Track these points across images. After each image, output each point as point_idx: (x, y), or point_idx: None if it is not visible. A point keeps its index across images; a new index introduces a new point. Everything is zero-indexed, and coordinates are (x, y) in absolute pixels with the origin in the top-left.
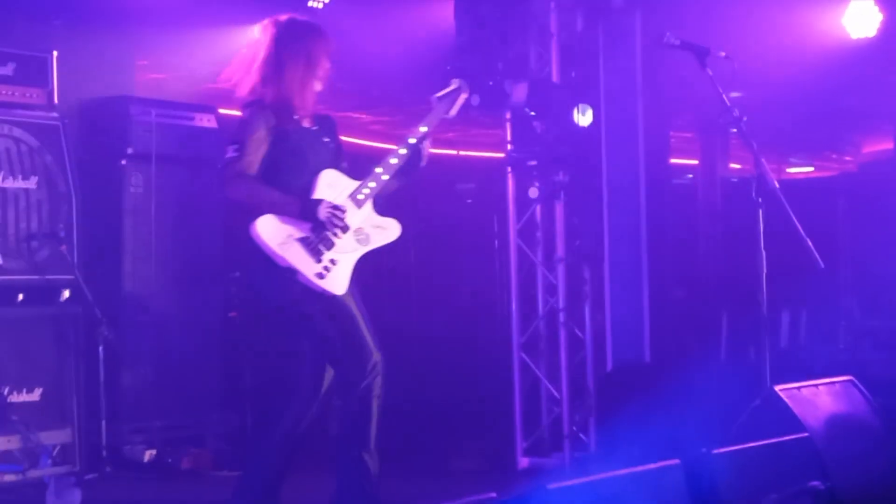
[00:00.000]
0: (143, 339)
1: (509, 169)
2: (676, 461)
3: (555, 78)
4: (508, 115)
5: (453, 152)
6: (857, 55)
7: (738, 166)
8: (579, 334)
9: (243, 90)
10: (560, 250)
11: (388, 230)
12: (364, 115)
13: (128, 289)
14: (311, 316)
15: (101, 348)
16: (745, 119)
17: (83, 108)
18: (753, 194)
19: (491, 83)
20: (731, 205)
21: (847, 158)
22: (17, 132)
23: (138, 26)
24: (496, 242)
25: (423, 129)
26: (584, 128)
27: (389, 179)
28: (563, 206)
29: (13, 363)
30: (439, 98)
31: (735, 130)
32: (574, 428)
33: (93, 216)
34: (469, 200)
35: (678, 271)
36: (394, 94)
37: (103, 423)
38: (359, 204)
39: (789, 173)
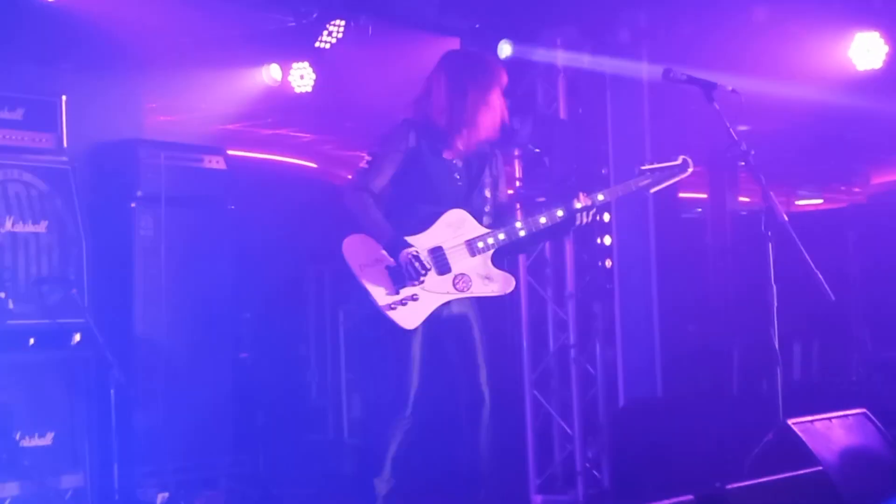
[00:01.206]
0: (154, 382)
1: (518, 205)
2: (690, 497)
3: (562, 114)
4: (517, 152)
5: None
6: (864, 86)
7: (747, 199)
8: (591, 370)
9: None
10: (570, 286)
11: (495, 283)
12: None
13: (139, 331)
14: (376, 339)
15: (112, 391)
16: (752, 152)
17: (92, 152)
18: (763, 227)
19: None
20: (741, 238)
21: (856, 190)
22: (27, 176)
23: (147, 69)
24: None
25: (601, 197)
26: (592, 163)
27: (529, 237)
28: (572, 243)
29: (25, 407)
30: (651, 170)
31: (743, 164)
32: (587, 464)
33: (103, 259)
34: None
35: (689, 306)
36: None
37: (116, 466)
38: (473, 252)
39: (798, 206)
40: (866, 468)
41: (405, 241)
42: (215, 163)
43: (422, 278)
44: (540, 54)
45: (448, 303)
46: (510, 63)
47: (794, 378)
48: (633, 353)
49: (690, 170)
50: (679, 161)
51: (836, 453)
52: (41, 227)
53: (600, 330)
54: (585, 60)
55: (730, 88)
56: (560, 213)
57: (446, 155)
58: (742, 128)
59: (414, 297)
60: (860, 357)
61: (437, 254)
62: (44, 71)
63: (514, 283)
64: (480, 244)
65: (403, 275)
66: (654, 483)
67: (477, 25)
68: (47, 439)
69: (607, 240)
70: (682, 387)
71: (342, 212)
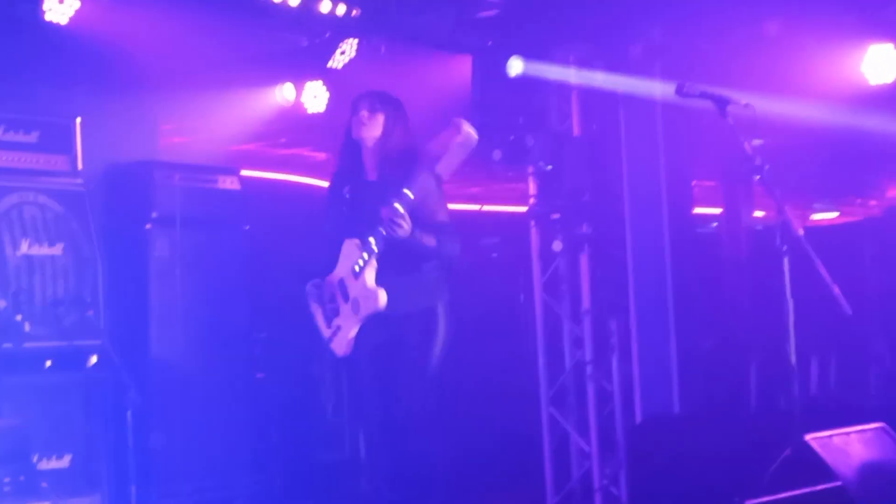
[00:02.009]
0: (171, 403)
1: (532, 222)
2: None
3: (575, 131)
4: (531, 169)
5: (477, 207)
6: (878, 99)
7: (762, 214)
8: (607, 387)
9: None
10: (586, 303)
11: (370, 300)
12: None
13: (155, 352)
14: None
15: (129, 412)
16: (767, 167)
17: (107, 174)
18: (778, 241)
19: (512, 137)
20: (757, 253)
21: (872, 203)
22: (43, 199)
23: (161, 91)
24: (521, 296)
25: (400, 207)
26: (606, 180)
27: (396, 246)
28: (587, 259)
29: (42, 430)
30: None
31: (758, 178)
32: (605, 481)
33: (119, 281)
34: (493, 255)
35: (705, 321)
36: None
37: (133, 487)
38: (356, 276)
39: (814, 219)
40: (885, 483)
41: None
42: (230, 183)
43: (339, 310)
44: (553, 71)
45: (369, 327)
46: (522, 80)
47: (811, 393)
48: (649, 369)
49: (464, 130)
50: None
51: (855, 468)
52: (57, 250)
53: (616, 346)
54: (598, 77)
55: (743, 103)
56: (382, 230)
57: (369, 177)
58: (756, 142)
59: (339, 328)
60: (878, 371)
61: (341, 284)
62: (58, 94)
63: (381, 296)
64: (356, 268)
65: (332, 308)
66: (673, 499)
67: (490, 43)
68: (64, 461)
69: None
70: (699, 402)
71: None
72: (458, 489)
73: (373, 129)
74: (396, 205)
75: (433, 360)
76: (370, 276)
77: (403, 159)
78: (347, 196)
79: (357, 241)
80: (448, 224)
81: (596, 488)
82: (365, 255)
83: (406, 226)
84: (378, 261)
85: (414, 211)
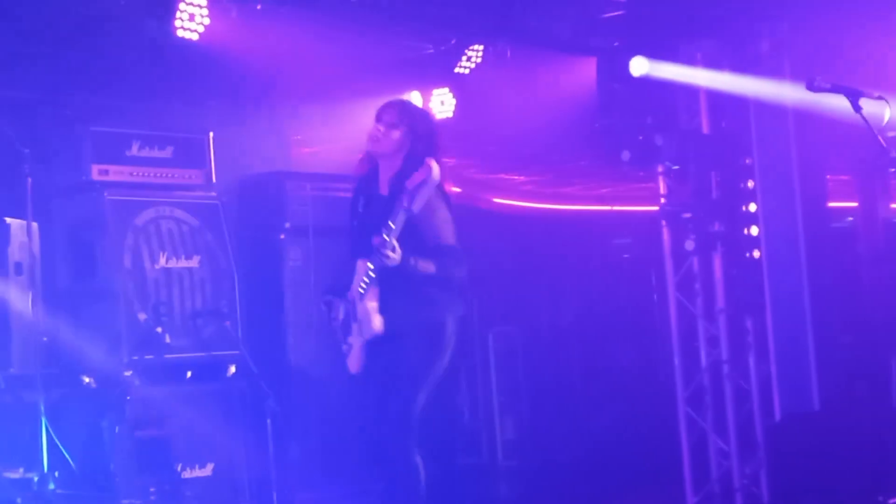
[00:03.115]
0: (308, 410)
1: (664, 222)
2: None
3: (705, 128)
4: (661, 169)
5: (607, 208)
6: None
7: None
8: (745, 386)
9: None
10: (720, 301)
11: (367, 324)
12: (517, 177)
13: (292, 361)
14: None
15: (269, 421)
16: None
17: (240, 186)
18: None
19: (641, 137)
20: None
21: None
22: (179, 213)
23: (291, 102)
24: (655, 296)
25: (388, 237)
26: (737, 177)
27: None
28: (720, 257)
29: (185, 440)
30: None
31: (894, 170)
32: (745, 481)
33: (254, 291)
34: (625, 255)
35: (843, 316)
36: (542, 154)
37: (274, 494)
38: (360, 297)
39: None
40: None
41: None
42: None
43: (351, 328)
44: (678, 71)
45: (375, 346)
46: (648, 79)
47: None
48: (787, 367)
49: (434, 170)
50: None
51: None
52: (194, 262)
53: (753, 344)
54: (726, 75)
55: (876, 95)
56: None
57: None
58: (891, 134)
59: (350, 346)
60: None
61: (353, 304)
62: (191, 109)
63: (376, 321)
64: (360, 289)
65: (344, 327)
66: (815, 498)
67: (616, 44)
68: (207, 470)
69: (756, 253)
70: (839, 399)
71: (487, 235)
72: (596, 490)
73: (384, 144)
74: (385, 236)
75: (435, 368)
76: (371, 299)
77: (413, 173)
78: (360, 210)
79: (367, 261)
80: (452, 247)
81: (736, 488)
82: (366, 280)
83: (395, 256)
84: (379, 283)
85: (416, 233)
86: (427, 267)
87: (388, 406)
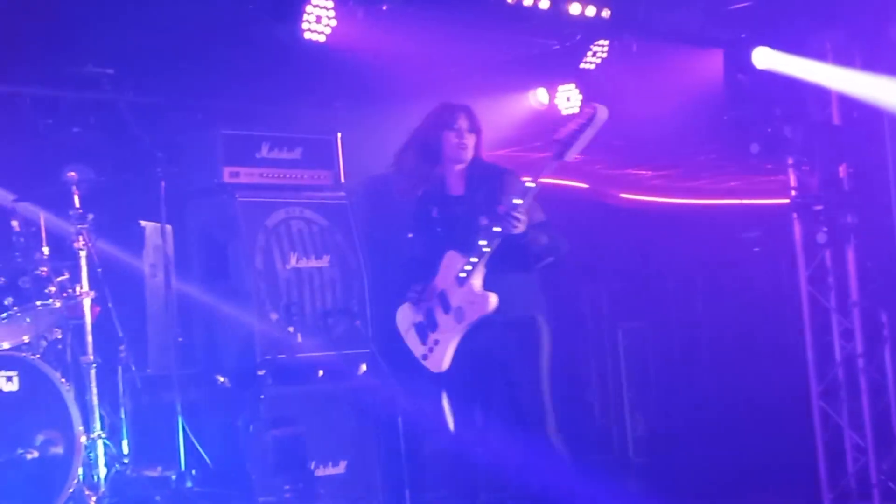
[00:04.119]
0: (439, 408)
1: (795, 214)
2: None
3: (835, 119)
4: (791, 161)
5: (737, 201)
6: None
7: None
8: (880, 379)
9: None
10: (854, 294)
11: (477, 304)
12: (645, 172)
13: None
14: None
15: (399, 419)
16: None
17: (368, 185)
18: None
19: (769, 129)
20: None
21: None
22: (308, 213)
23: (416, 101)
24: (786, 290)
25: (518, 201)
26: (870, 168)
27: (509, 244)
28: (854, 250)
29: (318, 438)
30: (561, 139)
31: None
32: (882, 477)
33: (382, 289)
34: (756, 249)
35: None
36: (669, 148)
37: (407, 492)
38: (460, 283)
39: None
40: None
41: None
42: None
43: (437, 324)
44: (805, 64)
45: (469, 337)
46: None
47: None
48: None
49: (602, 115)
50: (589, 111)
51: None
52: (324, 262)
53: (888, 338)
54: (857, 62)
55: None
56: (496, 228)
57: (453, 192)
58: None
59: (437, 342)
60: None
61: (442, 296)
62: (319, 110)
63: (491, 298)
64: (462, 274)
65: (432, 317)
66: None
67: (743, 35)
68: (340, 468)
69: None
70: None
71: (615, 231)
72: (729, 487)
73: (471, 150)
74: (516, 200)
75: (543, 371)
76: (477, 281)
77: (491, 170)
78: (436, 215)
79: (457, 252)
80: (549, 223)
81: (874, 483)
82: (472, 260)
83: (524, 219)
84: (487, 264)
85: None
86: (542, 238)
87: (519, 395)
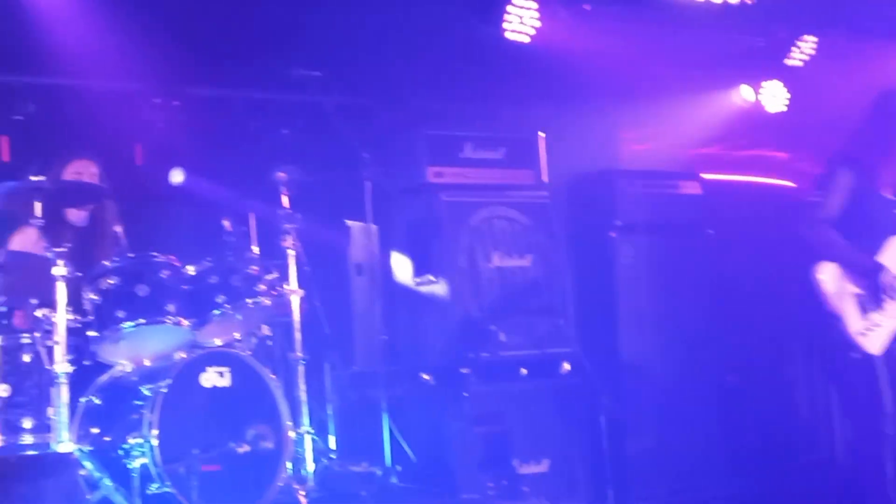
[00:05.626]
0: (643, 407)
1: None
2: None
3: None
4: None
5: None
6: None
7: None
8: None
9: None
10: None
11: None
12: None
13: (625, 358)
14: (854, 363)
15: (602, 418)
16: None
17: (570, 185)
18: None
19: None
20: None
21: None
22: (511, 212)
23: (621, 100)
24: None
25: None
26: None
27: None
28: None
29: (521, 435)
30: None
31: None
32: None
33: (586, 289)
34: None
35: None
36: None
37: (610, 491)
38: None
39: None
40: None
41: (879, 262)
42: (691, 188)
43: (884, 306)
44: None
45: None
46: None
47: None
48: None
49: None
50: None
51: None
52: (526, 261)
53: None
54: None
55: None
56: None
57: (884, 192)
58: None
59: (877, 324)
60: None
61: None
62: (521, 109)
63: None
64: None
65: (879, 297)
66: None
67: None
68: (543, 466)
69: None
70: None
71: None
72: None
73: None
74: None
75: None
76: None
77: None
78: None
79: None
80: None
81: None
82: None
83: None
84: None
85: None
86: None
87: None
